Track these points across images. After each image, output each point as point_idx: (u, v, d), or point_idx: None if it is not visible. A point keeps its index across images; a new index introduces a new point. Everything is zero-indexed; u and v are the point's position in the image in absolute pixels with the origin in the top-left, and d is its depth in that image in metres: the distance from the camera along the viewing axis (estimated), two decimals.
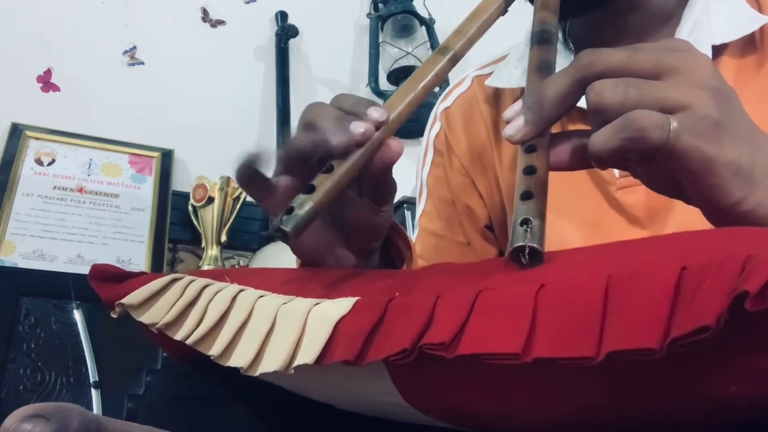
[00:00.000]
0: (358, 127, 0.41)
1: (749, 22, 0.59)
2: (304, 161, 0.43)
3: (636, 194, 0.60)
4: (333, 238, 0.49)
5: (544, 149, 0.39)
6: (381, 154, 0.43)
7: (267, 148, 0.45)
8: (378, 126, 0.42)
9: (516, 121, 0.39)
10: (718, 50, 0.60)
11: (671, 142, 0.34)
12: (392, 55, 1.86)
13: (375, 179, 0.45)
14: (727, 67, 0.59)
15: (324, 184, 0.41)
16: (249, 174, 0.44)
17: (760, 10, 0.60)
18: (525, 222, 0.35)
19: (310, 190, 0.40)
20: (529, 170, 0.38)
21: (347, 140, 0.41)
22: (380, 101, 1.78)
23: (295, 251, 0.50)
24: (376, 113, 0.42)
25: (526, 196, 0.36)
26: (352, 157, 0.42)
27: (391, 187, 0.47)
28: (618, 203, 0.62)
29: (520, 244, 0.34)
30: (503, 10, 0.49)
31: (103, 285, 0.49)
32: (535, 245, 0.33)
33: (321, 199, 0.40)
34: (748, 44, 0.60)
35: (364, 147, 0.42)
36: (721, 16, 0.60)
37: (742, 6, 0.60)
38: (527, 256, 0.34)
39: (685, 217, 0.55)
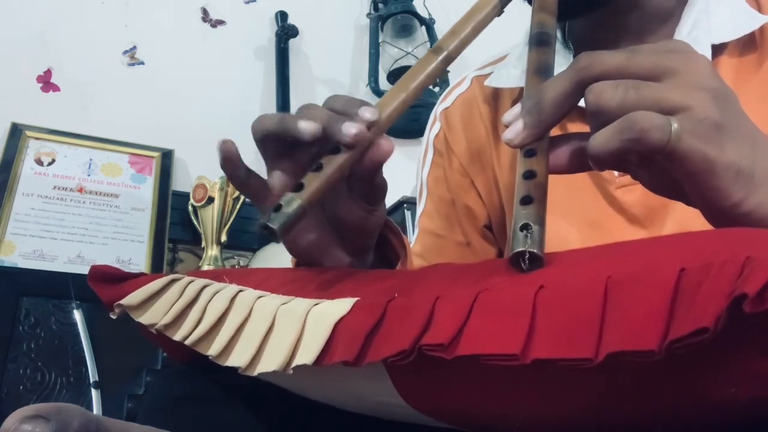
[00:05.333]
0: (349, 128, 0.41)
1: (749, 21, 0.59)
2: (286, 147, 0.44)
3: (635, 193, 0.60)
4: (328, 238, 0.49)
5: (544, 153, 0.39)
6: (371, 153, 0.43)
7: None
8: (369, 126, 0.42)
9: (515, 125, 0.39)
10: (718, 49, 0.60)
11: (672, 143, 0.34)
12: (392, 55, 1.86)
13: (365, 179, 0.45)
14: (726, 67, 0.59)
15: (312, 182, 0.41)
16: (241, 174, 0.45)
17: (759, 9, 0.60)
18: (525, 227, 0.34)
19: (299, 188, 0.40)
20: (529, 174, 0.38)
21: (339, 139, 0.42)
22: (375, 98, 1.79)
23: (290, 251, 0.50)
24: (367, 113, 0.42)
25: (525, 200, 0.36)
26: (341, 156, 0.42)
27: (382, 187, 0.47)
28: (617, 202, 0.62)
29: (520, 249, 0.34)
30: (499, 11, 0.49)
31: (102, 286, 0.49)
32: (535, 250, 0.33)
33: (309, 197, 0.40)
34: (748, 44, 0.60)
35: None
36: (720, 15, 0.60)
37: (741, 5, 0.60)
38: (527, 262, 0.33)
39: (684, 216, 0.55)
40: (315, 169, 0.41)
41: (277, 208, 0.40)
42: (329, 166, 0.41)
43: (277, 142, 0.45)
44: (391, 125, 0.44)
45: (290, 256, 0.52)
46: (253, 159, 0.46)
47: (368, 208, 0.47)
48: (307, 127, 0.42)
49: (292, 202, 0.40)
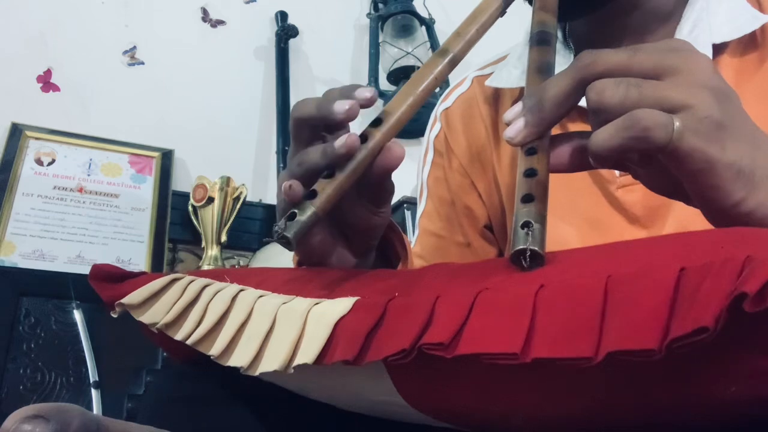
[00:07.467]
0: (342, 105, 0.42)
1: (749, 20, 0.59)
2: (312, 132, 0.44)
3: (636, 193, 0.60)
4: (334, 238, 0.49)
5: (545, 151, 0.39)
6: (382, 159, 0.43)
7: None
8: (365, 104, 0.43)
9: (516, 123, 0.39)
10: (718, 49, 0.60)
11: (674, 142, 0.34)
12: (392, 55, 1.86)
13: (375, 183, 0.45)
14: (727, 66, 0.59)
15: (325, 189, 0.41)
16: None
17: (760, 9, 0.60)
18: (526, 225, 0.34)
19: (312, 195, 0.41)
20: (530, 173, 0.38)
21: (333, 118, 0.43)
22: (380, 101, 1.79)
23: (297, 251, 0.50)
24: (366, 92, 0.43)
25: (526, 199, 0.36)
26: (353, 162, 0.42)
27: (390, 189, 0.47)
28: (618, 202, 0.61)
29: (521, 247, 0.34)
30: (502, 12, 0.49)
31: (103, 285, 0.49)
32: (536, 248, 0.33)
33: (322, 204, 0.40)
34: (749, 43, 0.60)
35: (365, 151, 0.42)
36: (721, 14, 0.60)
37: (742, 5, 0.60)
38: (528, 260, 0.34)
39: (684, 216, 0.55)
40: (327, 176, 0.42)
41: (291, 216, 0.40)
42: (341, 173, 0.42)
43: (312, 128, 0.45)
44: (400, 129, 0.44)
45: (290, 256, 0.52)
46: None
47: (375, 210, 0.47)
48: (340, 107, 0.43)
49: (306, 210, 0.40)
